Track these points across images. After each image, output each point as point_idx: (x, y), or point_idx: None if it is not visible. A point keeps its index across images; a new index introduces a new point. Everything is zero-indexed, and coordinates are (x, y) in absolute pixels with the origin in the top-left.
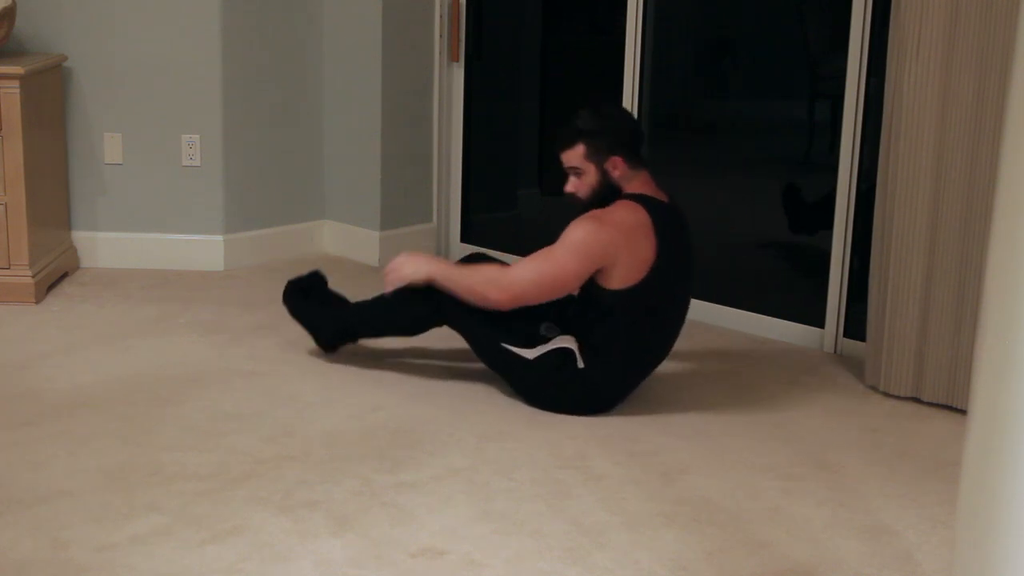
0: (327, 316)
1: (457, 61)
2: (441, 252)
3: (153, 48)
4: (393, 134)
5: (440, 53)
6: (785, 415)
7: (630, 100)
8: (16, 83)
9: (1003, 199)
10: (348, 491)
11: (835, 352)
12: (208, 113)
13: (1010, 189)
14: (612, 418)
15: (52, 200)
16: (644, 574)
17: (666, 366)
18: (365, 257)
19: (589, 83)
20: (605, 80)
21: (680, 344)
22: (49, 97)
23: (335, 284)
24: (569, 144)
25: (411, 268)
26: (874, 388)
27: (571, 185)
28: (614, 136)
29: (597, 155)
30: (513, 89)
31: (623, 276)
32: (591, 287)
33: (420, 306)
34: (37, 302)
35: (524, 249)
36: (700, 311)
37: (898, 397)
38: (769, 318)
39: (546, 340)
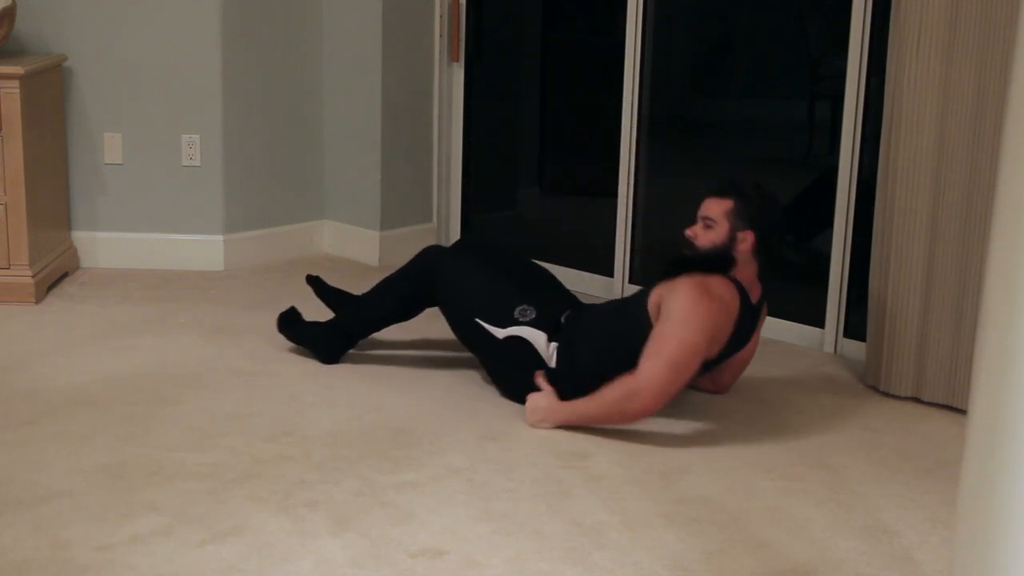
0: (321, 329)
1: (457, 61)
2: None
3: (153, 48)
4: (393, 134)
5: (440, 53)
6: (785, 415)
7: (630, 100)
8: (16, 83)
9: (1003, 198)
10: (348, 491)
11: (835, 352)
12: (208, 113)
13: (1010, 188)
14: None
15: (52, 200)
16: (644, 574)
17: None
18: (365, 257)
19: (589, 83)
20: (605, 80)
21: None
22: (49, 97)
23: (335, 283)
24: (721, 194)
25: (543, 425)
26: (874, 388)
27: (694, 231)
28: (763, 216)
29: (738, 219)
30: (513, 89)
31: None
32: (644, 329)
33: (409, 286)
34: (37, 302)
35: (524, 249)
36: None
37: (898, 397)
38: (769, 318)
39: (517, 323)
